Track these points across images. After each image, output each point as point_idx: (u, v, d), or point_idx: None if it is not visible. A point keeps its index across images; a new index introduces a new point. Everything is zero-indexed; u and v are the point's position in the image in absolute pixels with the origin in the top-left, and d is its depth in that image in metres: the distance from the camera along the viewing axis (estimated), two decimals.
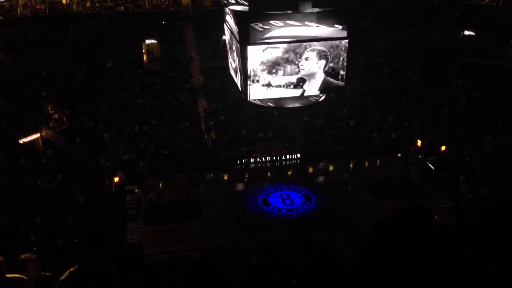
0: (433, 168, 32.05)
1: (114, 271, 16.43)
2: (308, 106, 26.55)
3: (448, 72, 39.77)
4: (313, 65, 18.36)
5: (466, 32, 40.13)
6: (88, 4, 42.19)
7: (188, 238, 25.56)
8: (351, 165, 34.45)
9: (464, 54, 39.37)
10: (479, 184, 28.74)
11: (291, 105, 22.78)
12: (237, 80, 20.56)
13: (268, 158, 34.47)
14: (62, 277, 5.30)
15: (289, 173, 33.98)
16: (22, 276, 4.17)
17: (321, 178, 32.82)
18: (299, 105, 22.73)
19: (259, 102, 21.00)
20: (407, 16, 43.05)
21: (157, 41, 39.87)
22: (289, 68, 18.27)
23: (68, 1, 41.80)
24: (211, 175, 33.59)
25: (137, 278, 17.86)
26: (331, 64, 18.52)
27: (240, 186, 32.45)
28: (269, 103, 21.47)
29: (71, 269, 5.09)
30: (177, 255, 22.97)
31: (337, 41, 18.13)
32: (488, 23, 40.84)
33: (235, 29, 18.59)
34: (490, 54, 38.30)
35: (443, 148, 33.04)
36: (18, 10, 40.33)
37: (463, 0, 42.40)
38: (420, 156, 33.50)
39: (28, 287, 4.28)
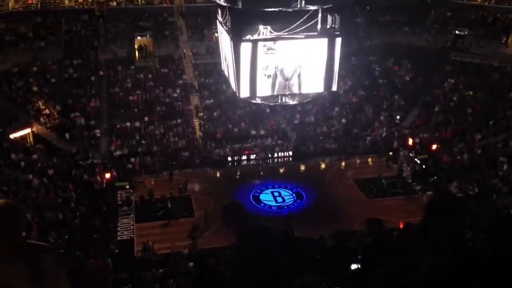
0: (424, 166, 32.17)
1: (111, 266, 16.39)
2: (301, 103, 26.63)
3: (439, 71, 39.94)
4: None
5: (458, 32, 40.34)
6: None
7: (179, 234, 25.49)
8: (342, 163, 34.47)
9: (456, 53, 39.56)
10: (469, 183, 28.91)
11: (284, 103, 22.75)
12: (230, 77, 20.53)
13: (260, 156, 34.43)
14: None
15: (281, 170, 33.96)
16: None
17: (312, 176, 32.79)
18: (292, 102, 22.72)
19: (255, 100, 20.99)
20: (400, 15, 43.21)
21: (150, 37, 39.70)
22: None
23: None
24: (203, 172, 33.46)
25: (128, 274, 17.78)
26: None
27: (231, 183, 32.30)
28: (262, 101, 21.46)
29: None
30: (168, 251, 22.98)
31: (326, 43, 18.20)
32: (479, 23, 41.08)
33: (227, 26, 18.55)
34: (482, 54, 38.53)
35: (434, 146, 33.20)
36: (10, 5, 40.03)
37: None
38: (411, 155, 33.64)
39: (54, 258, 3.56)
